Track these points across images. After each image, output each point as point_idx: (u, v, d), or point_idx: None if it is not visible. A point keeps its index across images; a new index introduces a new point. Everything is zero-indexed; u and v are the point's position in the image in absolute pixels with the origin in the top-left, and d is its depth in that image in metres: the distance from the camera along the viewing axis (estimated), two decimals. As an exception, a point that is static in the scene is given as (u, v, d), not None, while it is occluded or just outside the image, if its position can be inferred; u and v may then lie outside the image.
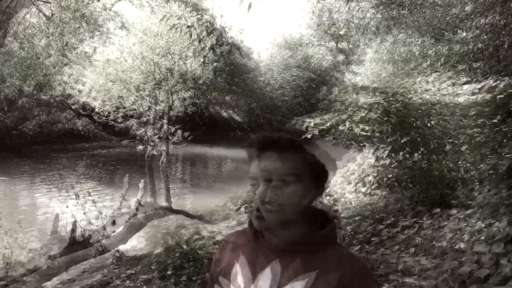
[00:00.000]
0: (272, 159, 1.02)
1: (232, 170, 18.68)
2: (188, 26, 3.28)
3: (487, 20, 6.85)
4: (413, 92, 5.36)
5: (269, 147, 1.03)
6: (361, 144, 5.62)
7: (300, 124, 5.44)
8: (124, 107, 9.41)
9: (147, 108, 9.37)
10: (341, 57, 34.60)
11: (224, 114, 31.04)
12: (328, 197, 7.24)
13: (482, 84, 5.33)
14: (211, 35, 3.14)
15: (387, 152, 6.20)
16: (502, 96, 4.73)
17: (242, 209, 5.32)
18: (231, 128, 30.06)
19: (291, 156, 1.02)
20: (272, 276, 1.02)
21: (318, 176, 1.05)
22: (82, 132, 22.10)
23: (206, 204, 9.70)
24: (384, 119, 5.35)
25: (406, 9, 8.84)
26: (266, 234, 1.07)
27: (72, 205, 6.63)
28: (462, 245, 3.92)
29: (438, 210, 4.71)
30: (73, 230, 6.10)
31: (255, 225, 1.06)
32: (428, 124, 5.52)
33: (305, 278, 0.98)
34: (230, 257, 1.13)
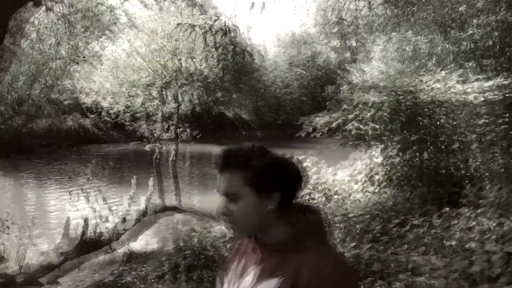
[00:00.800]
0: (218, 180, 1.09)
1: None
2: (193, 26, 3.30)
3: (498, 17, 6.80)
4: (422, 90, 5.34)
5: (216, 168, 1.10)
6: (370, 143, 5.60)
7: (307, 124, 5.42)
8: (134, 107, 9.49)
9: (155, 107, 9.44)
10: (348, 55, 34.42)
11: (231, 112, 31.05)
12: (336, 196, 7.24)
13: (492, 82, 5.29)
14: (225, 36, 3.16)
15: (395, 150, 6.21)
16: (512, 94, 4.71)
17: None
18: (238, 126, 30.06)
19: (226, 177, 1.07)
20: (253, 277, 1.08)
21: (267, 185, 1.05)
22: (91, 131, 22.27)
23: (214, 203, 9.71)
24: (394, 117, 5.35)
25: (415, 6, 8.78)
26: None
27: (83, 204, 6.70)
28: (472, 244, 3.91)
29: (447, 209, 4.67)
30: (84, 228, 6.17)
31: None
32: (438, 123, 5.51)
33: (268, 283, 1.03)
34: (234, 256, 1.22)
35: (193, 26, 3.59)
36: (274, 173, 1.06)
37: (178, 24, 3.85)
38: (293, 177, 1.09)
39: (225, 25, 3.14)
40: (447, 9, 8.24)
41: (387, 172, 6.59)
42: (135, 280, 5.09)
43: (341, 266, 1.02)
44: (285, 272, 1.01)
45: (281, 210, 1.07)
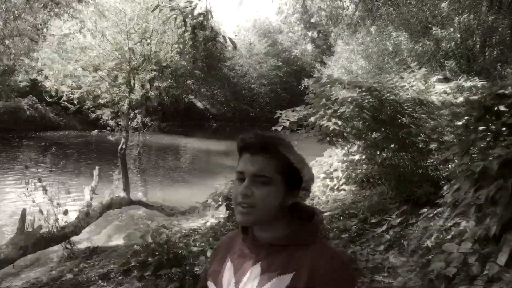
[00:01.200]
0: (245, 161, 1.06)
1: (191, 158, 18.47)
2: (173, 9, 3.04)
3: (461, 20, 6.96)
4: (387, 88, 5.28)
5: (245, 149, 1.08)
6: (334, 139, 5.50)
7: (283, 118, 5.27)
8: (97, 92, 8.81)
9: (121, 93, 8.82)
10: (310, 47, 34.59)
11: (200, 103, 30.52)
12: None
13: (453, 83, 5.38)
14: (206, 21, 2.95)
15: (355, 147, 6.17)
16: (475, 97, 4.76)
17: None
18: (191, 113, 29.63)
19: (263, 159, 1.05)
20: (254, 277, 1.05)
21: (292, 180, 1.06)
22: (47, 117, 20.95)
23: (172, 196, 9.34)
24: (357, 114, 5.27)
25: (381, 2, 8.84)
26: (255, 229, 1.10)
27: (20, 193, 6.11)
28: (429, 243, 3.93)
29: (424, 209, 4.65)
30: (22, 219, 5.61)
31: (237, 221, 1.08)
32: (399, 121, 5.50)
33: (280, 279, 1.01)
34: (222, 258, 1.17)
35: (173, 9, 3.34)
36: (292, 168, 1.07)
37: (157, 6, 3.56)
38: (311, 178, 1.10)
39: (206, 11, 2.93)
40: (428, 5, 8.34)
41: (347, 169, 6.55)
42: (97, 277, 4.74)
43: (347, 260, 1.08)
44: (299, 268, 1.01)
45: (291, 207, 1.09)
